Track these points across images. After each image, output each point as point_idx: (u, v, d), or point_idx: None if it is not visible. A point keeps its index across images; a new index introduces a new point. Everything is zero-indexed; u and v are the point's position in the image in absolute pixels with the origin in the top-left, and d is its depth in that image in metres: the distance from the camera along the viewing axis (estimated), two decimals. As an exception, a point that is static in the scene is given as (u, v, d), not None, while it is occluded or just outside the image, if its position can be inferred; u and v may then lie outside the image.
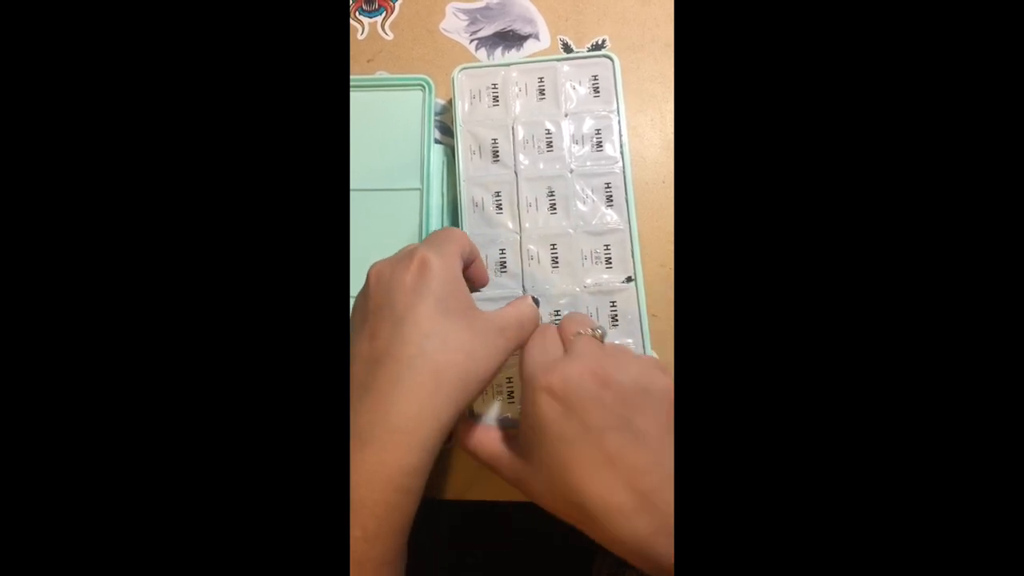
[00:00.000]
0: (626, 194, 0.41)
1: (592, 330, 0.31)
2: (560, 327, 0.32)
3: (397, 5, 0.49)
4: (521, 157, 0.42)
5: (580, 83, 0.44)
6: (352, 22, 0.49)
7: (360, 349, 0.28)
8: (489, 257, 0.41)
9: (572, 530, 0.29)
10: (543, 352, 0.30)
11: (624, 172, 0.42)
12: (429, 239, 0.31)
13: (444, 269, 0.28)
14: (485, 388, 0.29)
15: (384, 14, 0.49)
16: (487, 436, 0.32)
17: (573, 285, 0.40)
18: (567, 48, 0.47)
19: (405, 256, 0.29)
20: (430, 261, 0.28)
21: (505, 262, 0.41)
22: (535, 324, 0.32)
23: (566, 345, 0.31)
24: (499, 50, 0.48)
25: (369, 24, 0.49)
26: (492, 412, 0.36)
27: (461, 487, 0.39)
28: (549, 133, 0.43)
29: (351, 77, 0.45)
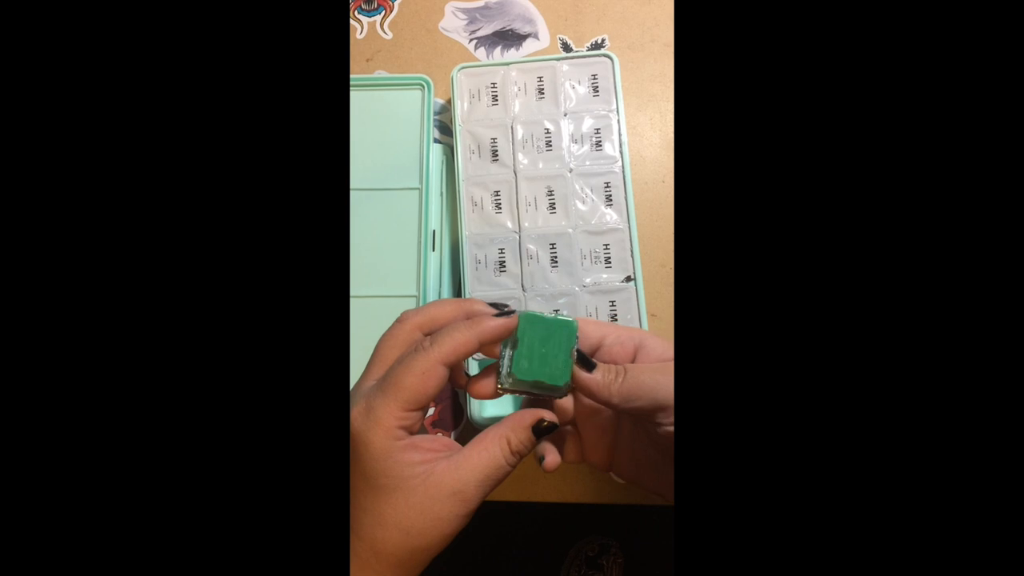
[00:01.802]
0: (625, 193, 0.41)
1: None
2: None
3: (396, 4, 0.49)
4: (520, 156, 0.42)
5: (579, 82, 0.44)
6: (351, 21, 0.49)
7: None
8: (488, 256, 0.41)
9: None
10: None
11: (623, 171, 0.42)
12: (375, 386, 0.27)
13: (368, 445, 0.25)
14: (439, 551, 0.26)
15: (383, 13, 0.49)
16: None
17: (572, 285, 0.40)
18: (566, 47, 0.47)
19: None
20: (356, 435, 0.26)
21: (504, 262, 0.41)
22: (512, 464, 0.27)
23: None
24: (498, 49, 0.48)
25: (368, 23, 0.49)
26: None
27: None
28: (548, 132, 0.43)
29: (350, 76, 0.45)
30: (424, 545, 0.25)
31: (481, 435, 0.27)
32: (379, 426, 0.25)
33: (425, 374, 0.26)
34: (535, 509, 0.40)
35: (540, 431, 0.27)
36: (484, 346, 0.28)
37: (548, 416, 0.28)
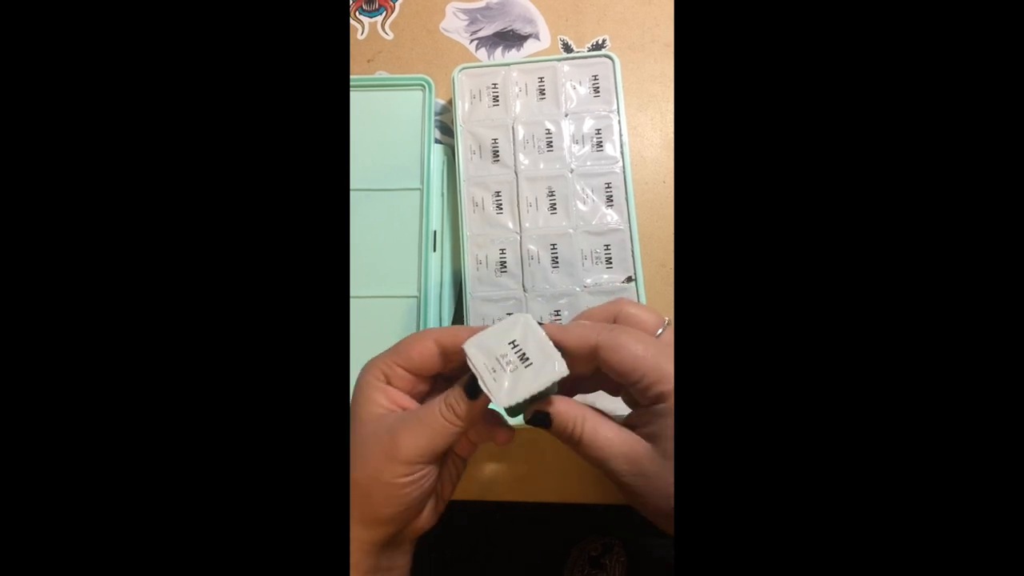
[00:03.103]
0: (626, 194, 0.41)
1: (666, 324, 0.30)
2: (640, 320, 0.29)
3: (397, 5, 0.49)
4: (521, 157, 0.42)
5: (580, 83, 0.44)
6: (352, 22, 0.49)
7: None
8: (489, 257, 0.41)
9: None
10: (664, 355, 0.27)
11: (624, 172, 0.42)
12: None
13: (357, 381, 0.30)
14: (377, 504, 0.27)
15: (384, 14, 0.49)
16: (608, 426, 0.28)
17: (573, 285, 0.40)
18: (567, 48, 0.47)
19: None
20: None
21: (505, 262, 0.41)
22: (449, 419, 0.28)
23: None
24: (499, 50, 0.48)
25: (369, 24, 0.49)
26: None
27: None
28: (549, 133, 0.43)
29: (351, 77, 0.45)
30: (357, 479, 0.27)
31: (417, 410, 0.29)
32: (369, 365, 0.29)
33: (416, 340, 0.29)
34: (536, 509, 0.40)
35: (470, 389, 0.28)
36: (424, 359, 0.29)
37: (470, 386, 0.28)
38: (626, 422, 0.29)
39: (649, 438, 0.27)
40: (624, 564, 0.68)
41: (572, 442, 0.28)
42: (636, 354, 0.27)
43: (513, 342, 0.27)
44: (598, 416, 0.28)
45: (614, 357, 0.27)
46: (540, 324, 0.28)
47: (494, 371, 0.27)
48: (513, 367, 0.27)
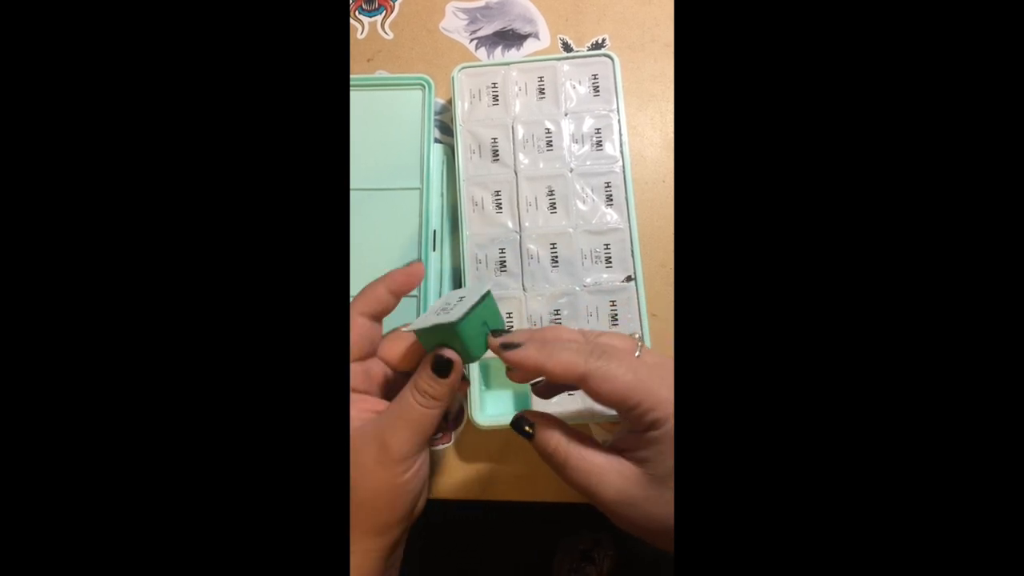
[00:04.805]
0: (626, 193, 0.41)
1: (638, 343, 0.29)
2: (617, 351, 0.28)
3: (397, 4, 0.49)
4: (521, 156, 0.42)
5: (580, 82, 0.44)
6: (352, 21, 0.49)
7: None
8: (489, 256, 0.41)
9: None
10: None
11: (624, 171, 0.42)
12: None
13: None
14: (377, 510, 0.27)
15: (384, 13, 0.49)
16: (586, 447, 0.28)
17: (573, 284, 0.40)
18: (567, 47, 0.47)
19: None
20: None
21: (505, 261, 0.41)
22: (424, 403, 0.28)
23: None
24: (499, 49, 0.48)
25: (369, 23, 0.49)
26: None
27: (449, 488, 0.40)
28: (549, 132, 0.43)
29: (351, 76, 0.45)
30: (358, 494, 0.27)
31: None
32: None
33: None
34: (536, 509, 0.40)
35: (439, 367, 0.28)
36: (397, 297, 0.31)
37: (448, 354, 0.29)
38: (614, 446, 0.28)
39: (640, 463, 0.26)
40: (612, 558, 0.68)
41: (556, 466, 0.28)
42: (628, 383, 0.26)
43: (461, 297, 0.30)
44: (585, 441, 0.28)
45: (605, 388, 0.26)
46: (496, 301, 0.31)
47: (438, 313, 0.29)
48: (458, 303, 0.29)
